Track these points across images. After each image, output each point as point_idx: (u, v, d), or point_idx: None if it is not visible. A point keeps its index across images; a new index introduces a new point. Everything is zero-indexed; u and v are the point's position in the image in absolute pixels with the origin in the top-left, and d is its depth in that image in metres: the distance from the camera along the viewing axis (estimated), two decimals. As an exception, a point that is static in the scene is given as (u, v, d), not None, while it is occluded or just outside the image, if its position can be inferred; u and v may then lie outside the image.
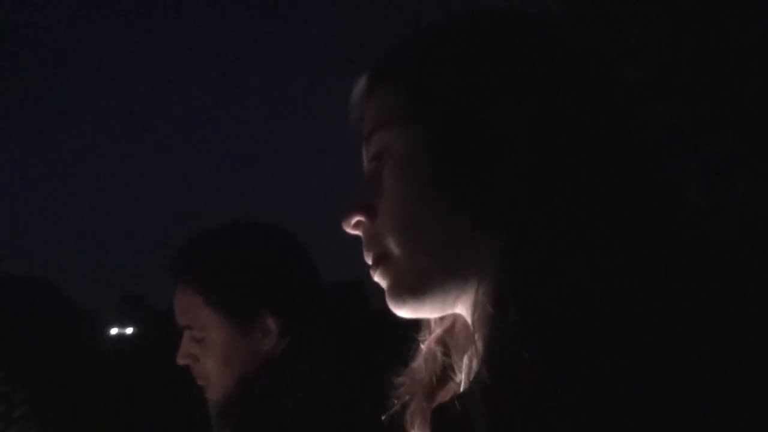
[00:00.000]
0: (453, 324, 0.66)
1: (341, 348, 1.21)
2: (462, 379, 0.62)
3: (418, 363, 0.67)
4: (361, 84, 0.66)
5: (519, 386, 0.43)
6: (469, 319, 0.57)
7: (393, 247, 0.58)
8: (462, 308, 0.59)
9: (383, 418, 0.67)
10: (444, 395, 0.63)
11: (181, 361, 1.27)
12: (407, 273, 0.58)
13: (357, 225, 0.62)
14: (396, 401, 0.66)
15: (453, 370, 0.64)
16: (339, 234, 0.64)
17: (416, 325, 0.68)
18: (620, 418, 0.40)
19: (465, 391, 0.54)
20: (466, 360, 0.61)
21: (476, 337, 0.52)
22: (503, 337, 0.46)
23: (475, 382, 0.49)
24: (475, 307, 0.53)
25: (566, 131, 0.52)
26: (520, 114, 0.53)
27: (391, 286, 0.60)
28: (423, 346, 0.67)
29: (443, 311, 0.60)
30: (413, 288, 0.58)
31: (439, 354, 0.65)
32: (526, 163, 0.51)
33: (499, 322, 0.47)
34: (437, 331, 0.66)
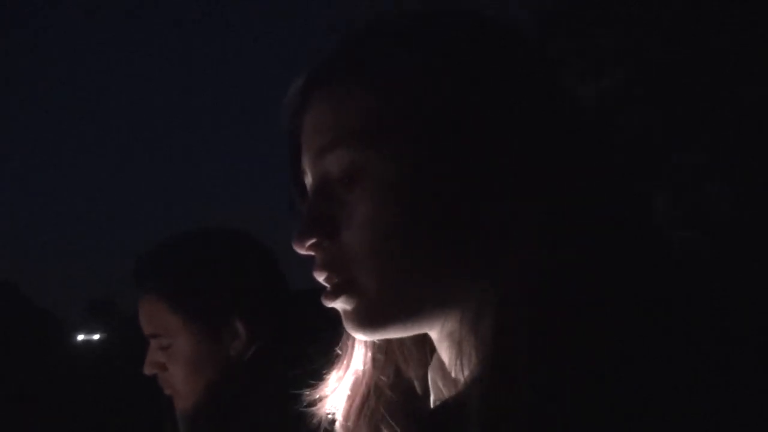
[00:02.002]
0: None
1: (310, 353, 1.19)
2: (420, 382, 0.61)
3: (353, 372, 0.63)
4: (302, 82, 0.58)
5: (521, 393, 0.44)
6: (435, 336, 0.57)
7: (363, 275, 0.54)
8: (429, 330, 0.57)
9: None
10: (393, 398, 0.62)
11: (148, 370, 1.23)
12: (378, 303, 0.54)
13: (312, 246, 0.56)
14: (321, 413, 0.63)
15: (394, 374, 0.62)
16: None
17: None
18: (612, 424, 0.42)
19: (448, 404, 0.53)
20: (431, 375, 0.60)
21: (456, 358, 0.53)
22: (504, 355, 0.46)
23: (463, 400, 0.49)
24: (459, 332, 0.53)
25: (551, 157, 0.50)
26: (509, 142, 0.50)
27: (356, 314, 0.55)
28: (355, 356, 0.63)
29: (407, 335, 0.58)
30: (383, 318, 0.54)
31: (378, 361, 0.62)
32: (516, 193, 0.50)
33: (501, 343, 0.47)
34: (375, 340, 0.62)
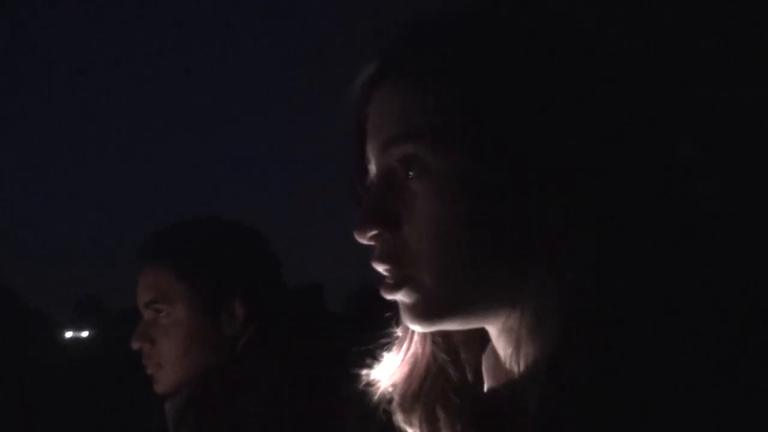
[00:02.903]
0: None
1: (302, 349, 1.19)
2: (484, 374, 0.61)
3: (411, 357, 0.64)
4: (372, 71, 0.58)
5: (578, 400, 0.44)
6: (493, 330, 0.58)
7: (424, 270, 0.54)
8: (487, 325, 0.58)
9: (367, 412, 0.65)
10: (448, 392, 0.62)
11: (136, 343, 1.22)
12: (437, 298, 0.55)
13: (374, 237, 0.57)
14: (379, 395, 0.64)
15: (452, 363, 0.63)
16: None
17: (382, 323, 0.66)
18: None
19: (511, 389, 0.55)
20: (486, 363, 0.61)
21: (513, 351, 0.54)
22: (565, 354, 0.47)
23: (528, 387, 0.50)
24: (519, 327, 0.53)
25: (612, 159, 0.51)
26: (574, 140, 0.51)
27: (415, 308, 0.56)
28: (414, 342, 0.64)
29: (463, 328, 0.59)
30: (445, 312, 0.56)
31: (438, 348, 0.63)
32: (578, 192, 0.50)
33: (562, 350, 0.47)
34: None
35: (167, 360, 1.21)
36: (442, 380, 0.62)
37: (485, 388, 0.61)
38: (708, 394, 0.42)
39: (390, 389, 0.64)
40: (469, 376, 0.63)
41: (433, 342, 0.63)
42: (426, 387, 0.62)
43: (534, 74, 0.52)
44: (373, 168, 0.59)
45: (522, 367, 0.53)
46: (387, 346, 0.66)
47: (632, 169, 0.51)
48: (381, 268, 0.57)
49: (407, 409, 0.62)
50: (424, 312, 0.56)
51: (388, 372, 0.64)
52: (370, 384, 0.65)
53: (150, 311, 1.22)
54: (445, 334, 0.63)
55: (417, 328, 0.59)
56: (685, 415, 0.42)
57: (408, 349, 0.64)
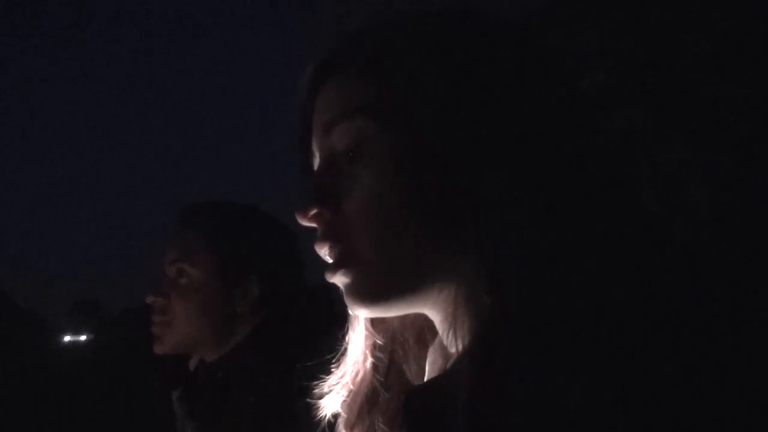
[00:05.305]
0: (393, 327, 0.64)
1: (305, 346, 1.21)
2: (418, 375, 0.62)
3: (354, 369, 0.64)
4: (320, 63, 0.60)
5: (507, 380, 0.43)
6: (437, 317, 0.58)
7: (363, 246, 0.54)
8: (428, 308, 0.57)
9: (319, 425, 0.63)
10: (388, 396, 0.62)
11: (151, 297, 1.26)
12: (379, 276, 0.55)
13: (315, 217, 0.57)
14: (326, 408, 0.63)
15: (395, 373, 0.63)
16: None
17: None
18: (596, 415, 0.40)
19: (438, 379, 0.54)
20: (430, 357, 0.61)
21: (452, 334, 0.53)
22: (493, 336, 0.46)
23: (453, 373, 0.49)
24: (456, 307, 0.53)
25: (547, 139, 0.52)
26: (510, 120, 0.52)
27: (357, 288, 0.56)
28: (357, 354, 0.64)
29: (406, 312, 0.59)
30: (382, 289, 0.55)
31: (380, 360, 0.63)
32: (514, 171, 0.51)
33: (491, 323, 0.47)
34: (372, 338, 0.64)
35: (177, 319, 1.25)
36: (385, 398, 0.62)
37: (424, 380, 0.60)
38: (635, 394, 0.40)
39: (336, 404, 0.63)
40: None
41: (376, 358, 0.63)
42: (369, 404, 0.62)
43: (467, 60, 0.54)
44: (317, 158, 0.60)
45: (455, 355, 0.51)
46: (335, 360, 0.65)
47: (568, 149, 0.52)
48: (322, 251, 0.57)
49: (352, 425, 0.62)
50: (363, 289, 0.55)
51: (334, 386, 0.63)
52: (319, 397, 0.64)
53: (173, 268, 1.27)
54: (390, 351, 0.63)
55: (360, 311, 0.58)
56: (613, 413, 0.40)
57: (352, 364, 0.64)
